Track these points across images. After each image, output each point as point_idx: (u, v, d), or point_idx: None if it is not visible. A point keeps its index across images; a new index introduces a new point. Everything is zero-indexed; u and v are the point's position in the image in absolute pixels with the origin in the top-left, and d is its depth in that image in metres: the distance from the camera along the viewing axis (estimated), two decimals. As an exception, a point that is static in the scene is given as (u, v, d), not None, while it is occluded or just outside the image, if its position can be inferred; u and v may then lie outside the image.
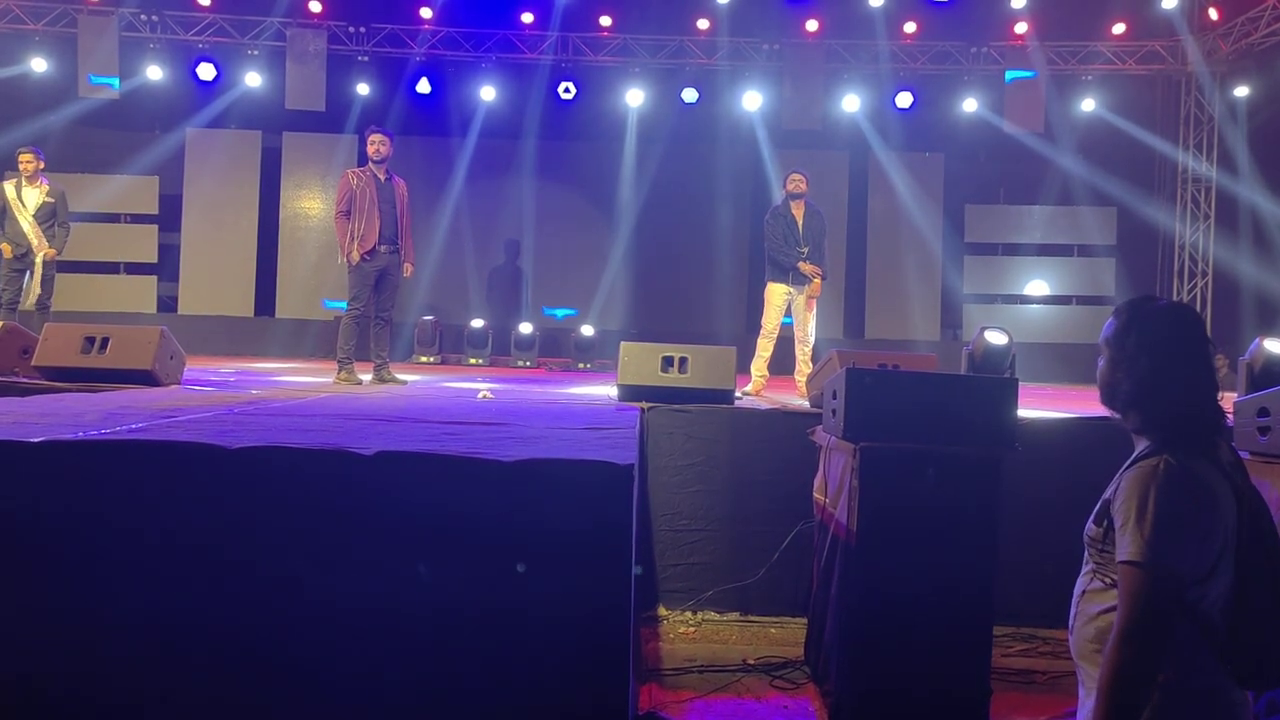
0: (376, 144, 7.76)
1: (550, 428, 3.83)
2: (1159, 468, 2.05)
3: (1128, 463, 2.16)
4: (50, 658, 2.54)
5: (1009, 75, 13.77)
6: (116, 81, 13.69)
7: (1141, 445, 2.18)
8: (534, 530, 2.53)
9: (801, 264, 8.09)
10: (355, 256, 7.57)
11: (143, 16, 13.78)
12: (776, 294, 8.22)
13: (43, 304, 8.68)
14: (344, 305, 7.95)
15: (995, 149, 14.72)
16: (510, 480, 2.55)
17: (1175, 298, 12.33)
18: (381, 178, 7.74)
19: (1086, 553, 2.25)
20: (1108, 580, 2.15)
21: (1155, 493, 2.02)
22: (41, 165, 8.87)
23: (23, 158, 8.78)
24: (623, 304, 14.88)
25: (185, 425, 3.32)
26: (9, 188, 8.76)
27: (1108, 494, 2.16)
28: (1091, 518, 2.21)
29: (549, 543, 2.52)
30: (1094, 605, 2.19)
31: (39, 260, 8.69)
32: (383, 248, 7.66)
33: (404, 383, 7.80)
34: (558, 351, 13.72)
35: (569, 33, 14.06)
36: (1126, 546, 2.02)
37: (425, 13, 13.81)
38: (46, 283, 8.73)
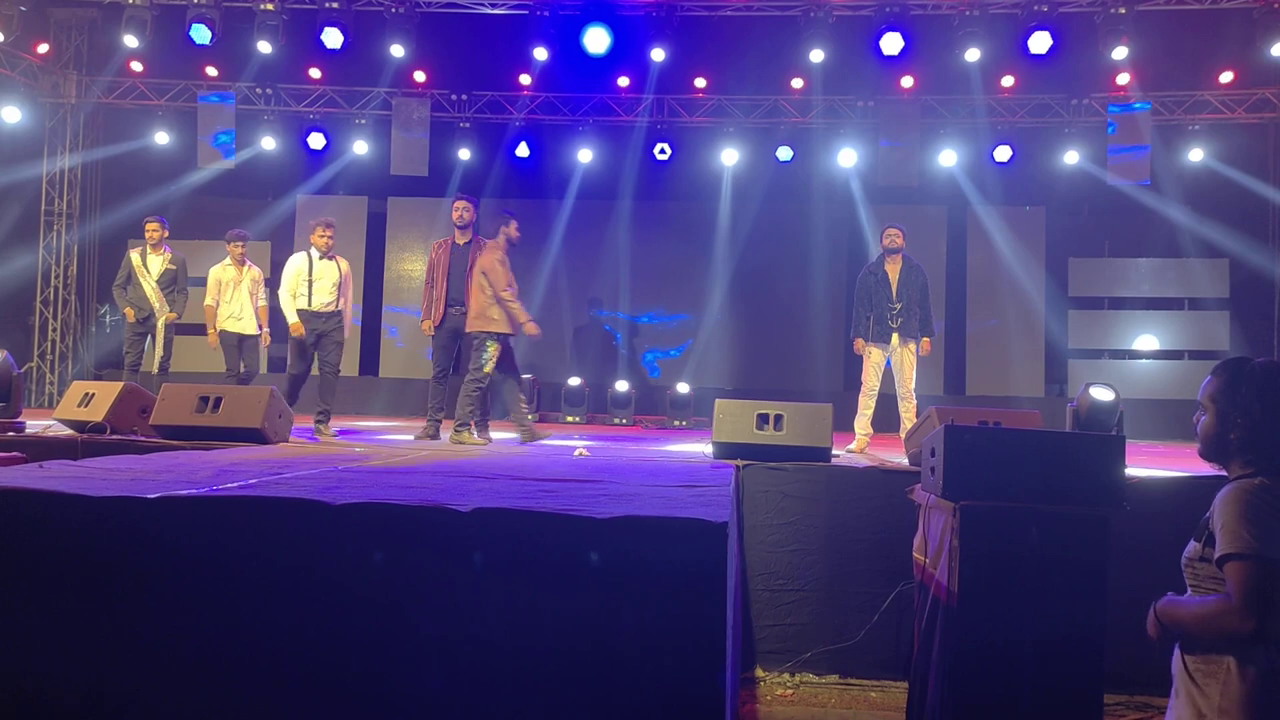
0: (460, 210, 8.06)
1: (645, 485, 3.84)
2: (1254, 483, 2.34)
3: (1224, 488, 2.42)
4: (160, 704, 2.62)
5: (1111, 110, 13.46)
6: (232, 139, 14.33)
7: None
8: (627, 588, 2.52)
9: (856, 341, 8.18)
10: (427, 329, 8.00)
11: (258, 90, 14.48)
12: (871, 352, 8.17)
13: (164, 366, 9.09)
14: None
15: (1099, 201, 14.39)
16: (604, 538, 2.56)
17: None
18: (460, 242, 7.97)
19: (1185, 578, 2.50)
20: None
21: (1250, 500, 2.31)
22: (166, 234, 9.36)
23: (149, 226, 9.28)
24: (719, 361, 14.86)
25: (292, 482, 3.42)
26: (135, 255, 9.24)
27: (1206, 515, 2.42)
28: (1192, 537, 2.46)
29: (642, 601, 2.51)
30: None
31: (160, 323, 9.12)
32: (453, 310, 7.92)
33: (483, 442, 7.71)
34: (654, 409, 13.76)
35: (664, 95, 14.25)
36: (1226, 544, 2.28)
37: (524, 79, 14.15)
38: (167, 345, 9.16)
